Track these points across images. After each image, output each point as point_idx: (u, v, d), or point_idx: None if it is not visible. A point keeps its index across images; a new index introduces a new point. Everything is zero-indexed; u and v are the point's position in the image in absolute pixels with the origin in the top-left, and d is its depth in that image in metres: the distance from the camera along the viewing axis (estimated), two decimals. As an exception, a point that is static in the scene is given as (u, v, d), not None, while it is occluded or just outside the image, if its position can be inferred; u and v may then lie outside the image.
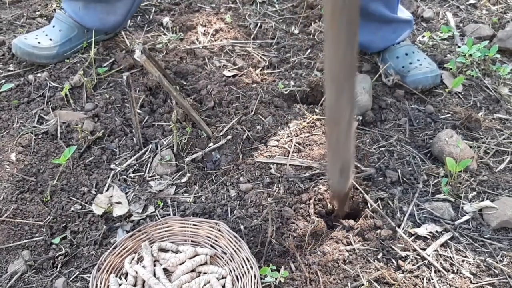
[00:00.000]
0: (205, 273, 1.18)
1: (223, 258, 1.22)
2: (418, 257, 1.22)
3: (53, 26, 1.83)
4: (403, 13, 1.79)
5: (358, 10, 0.87)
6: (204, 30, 2.05)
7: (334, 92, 0.98)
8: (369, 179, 1.43)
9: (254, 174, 1.44)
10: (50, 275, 1.23)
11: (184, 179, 1.44)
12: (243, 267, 1.16)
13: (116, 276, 1.17)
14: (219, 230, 1.24)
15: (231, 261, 1.20)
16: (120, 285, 1.15)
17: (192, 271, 1.19)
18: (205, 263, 1.20)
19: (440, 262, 1.22)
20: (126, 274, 1.19)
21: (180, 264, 1.19)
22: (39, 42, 1.77)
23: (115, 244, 1.22)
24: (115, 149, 1.54)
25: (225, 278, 1.16)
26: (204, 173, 1.47)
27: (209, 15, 2.14)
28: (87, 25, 1.82)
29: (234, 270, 1.18)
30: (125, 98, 1.69)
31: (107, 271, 1.17)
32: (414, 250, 1.24)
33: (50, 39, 1.80)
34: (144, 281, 1.17)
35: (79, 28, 1.83)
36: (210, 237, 1.25)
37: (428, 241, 1.27)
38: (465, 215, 1.33)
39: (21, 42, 1.76)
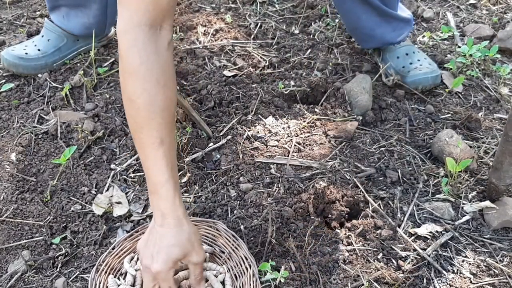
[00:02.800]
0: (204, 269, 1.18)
1: (221, 257, 1.22)
2: (418, 257, 1.22)
3: (42, 36, 1.80)
4: (404, 12, 1.78)
5: None
6: (204, 30, 2.05)
7: None
8: (369, 179, 1.43)
9: (254, 174, 1.44)
10: (50, 275, 1.23)
11: (184, 179, 1.44)
12: (241, 265, 1.16)
13: (115, 277, 1.17)
14: (217, 229, 1.24)
15: (229, 259, 1.20)
16: (118, 285, 1.15)
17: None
18: (204, 261, 1.20)
19: (440, 262, 1.22)
20: (125, 274, 1.19)
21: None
22: (26, 53, 1.74)
23: (113, 245, 1.22)
24: (115, 149, 1.54)
25: (223, 274, 1.16)
26: (204, 173, 1.47)
27: (209, 15, 2.14)
28: (74, 32, 1.79)
29: (232, 269, 1.18)
30: (125, 98, 1.69)
31: (106, 272, 1.17)
32: (414, 250, 1.24)
33: (38, 49, 1.76)
34: (142, 281, 1.17)
35: (68, 37, 1.80)
36: (208, 236, 1.25)
37: (428, 241, 1.27)
38: (465, 215, 1.33)
39: (8, 54, 1.72)
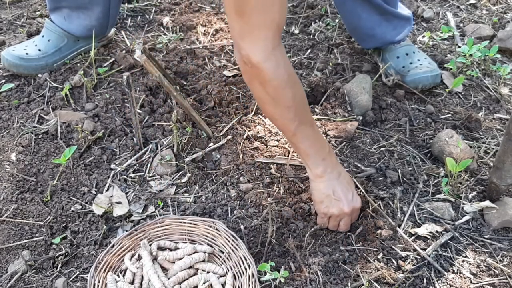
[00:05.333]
0: (203, 270, 1.19)
1: (221, 257, 1.22)
2: (418, 257, 1.22)
3: (43, 36, 1.80)
4: (403, 10, 1.78)
5: None
6: (204, 30, 2.05)
7: None
8: (369, 179, 1.43)
9: (254, 174, 1.44)
10: (50, 275, 1.23)
11: (184, 179, 1.44)
12: (240, 266, 1.16)
13: (114, 274, 1.18)
14: (216, 229, 1.24)
15: (228, 259, 1.20)
16: (117, 282, 1.15)
17: (190, 268, 1.19)
18: (203, 261, 1.20)
19: (440, 262, 1.22)
20: (124, 271, 1.19)
21: (179, 259, 1.19)
22: (27, 53, 1.74)
23: (112, 243, 1.22)
24: (115, 149, 1.54)
25: (224, 276, 1.17)
26: (204, 173, 1.47)
27: (209, 15, 2.14)
28: (75, 34, 1.79)
29: (231, 269, 1.18)
30: (125, 98, 1.69)
31: (105, 270, 1.17)
32: (414, 250, 1.23)
33: (39, 50, 1.76)
34: (142, 279, 1.17)
35: (68, 37, 1.80)
36: (207, 236, 1.25)
37: (428, 241, 1.26)
38: (465, 215, 1.33)
39: (8, 54, 1.72)
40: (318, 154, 1.21)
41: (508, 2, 2.23)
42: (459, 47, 1.93)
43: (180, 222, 1.27)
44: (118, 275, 1.18)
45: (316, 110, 1.64)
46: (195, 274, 1.18)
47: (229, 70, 1.81)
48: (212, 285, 1.15)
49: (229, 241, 1.21)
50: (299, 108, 1.15)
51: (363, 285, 1.15)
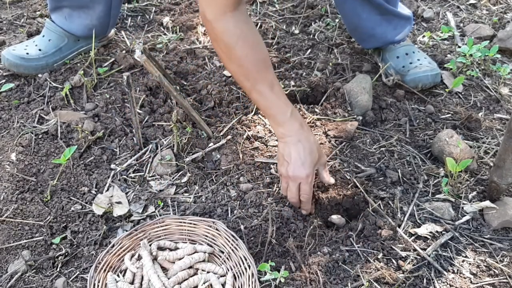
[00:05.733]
0: (203, 270, 1.19)
1: (221, 257, 1.22)
2: (418, 257, 1.22)
3: (43, 36, 1.80)
4: (404, 10, 1.78)
5: None
6: (204, 30, 2.05)
7: None
8: (369, 179, 1.43)
9: (254, 174, 1.44)
10: (50, 275, 1.23)
11: (184, 179, 1.44)
12: (240, 266, 1.16)
13: (114, 274, 1.18)
14: (216, 229, 1.24)
15: (228, 259, 1.20)
16: (117, 282, 1.15)
17: (190, 268, 1.19)
18: (203, 261, 1.20)
19: (440, 262, 1.22)
20: (124, 271, 1.19)
21: (179, 259, 1.19)
22: (27, 53, 1.74)
23: (112, 243, 1.22)
24: (115, 149, 1.54)
25: (224, 276, 1.17)
26: (204, 173, 1.47)
27: (209, 15, 2.14)
28: (76, 34, 1.79)
29: (231, 269, 1.18)
30: (125, 98, 1.69)
31: (105, 270, 1.17)
32: (414, 250, 1.24)
33: (39, 50, 1.76)
34: (142, 279, 1.17)
35: (69, 37, 1.80)
36: (207, 236, 1.25)
37: (428, 241, 1.27)
38: (465, 215, 1.33)
39: (9, 54, 1.72)
40: (278, 117, 1.25)
41: (508, 2, 2.23)
42: (459, 47, 1.93)
43: (180, 222, 1.27)
44: (118, 275, 1.18)
45: (316, 110, 1.64)
46: (195, 274, 1.18)
47: (229, 70, 1.81)
48: (212, 285, 1.15)
49: (229, 241, 1.21)
50: (253, 68, 1.22)
51: (363, 285, 1.15)
